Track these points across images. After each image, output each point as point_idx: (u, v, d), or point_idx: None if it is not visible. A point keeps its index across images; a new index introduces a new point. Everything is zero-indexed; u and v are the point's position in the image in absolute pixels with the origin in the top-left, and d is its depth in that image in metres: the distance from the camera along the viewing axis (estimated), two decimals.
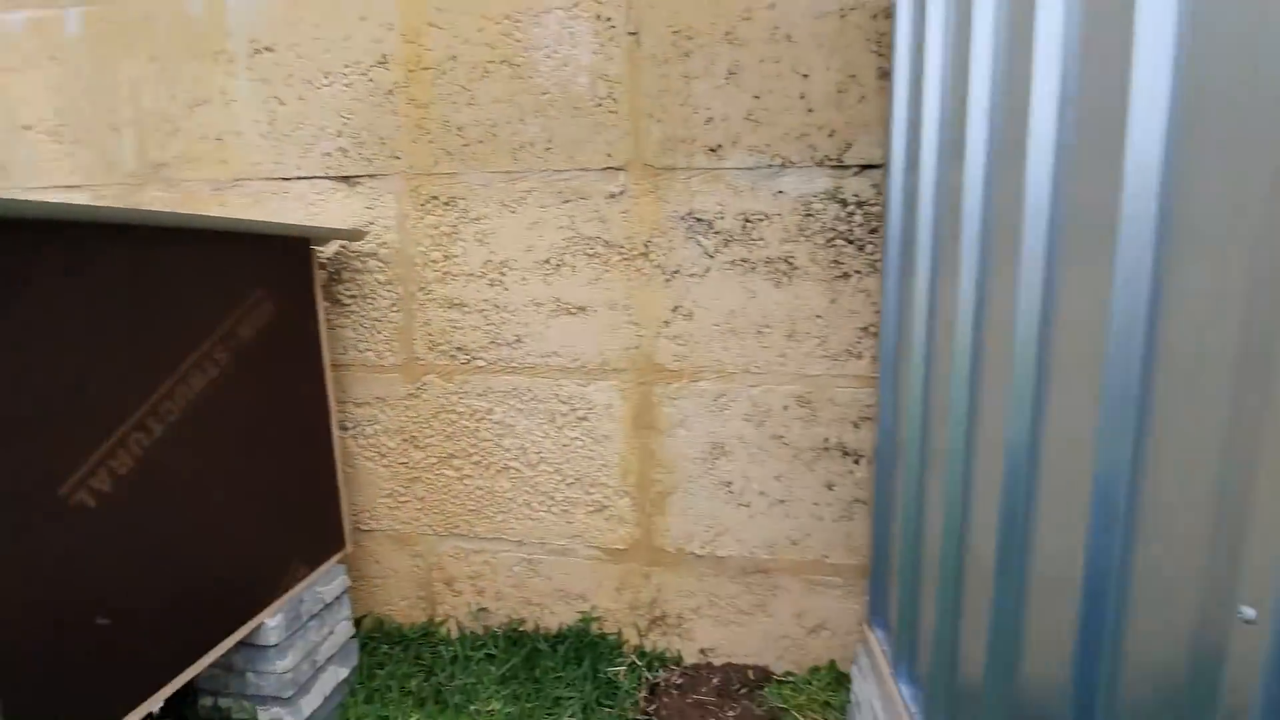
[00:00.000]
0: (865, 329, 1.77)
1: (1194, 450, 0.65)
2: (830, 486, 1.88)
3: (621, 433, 1.96)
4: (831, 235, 1.75)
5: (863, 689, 1.63)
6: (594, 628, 2.12)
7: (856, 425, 1.83)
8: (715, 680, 2.03)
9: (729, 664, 2.07)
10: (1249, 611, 0.51)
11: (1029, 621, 0.95)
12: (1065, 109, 0.88)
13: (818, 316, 1.79)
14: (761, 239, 1.78)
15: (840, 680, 1.97)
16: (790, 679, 2.01)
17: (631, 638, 2.10)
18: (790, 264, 1.78)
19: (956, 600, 1.20)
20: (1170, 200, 0.70)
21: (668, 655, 2.09)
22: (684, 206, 1.82)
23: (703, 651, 2.08)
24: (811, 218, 1.75)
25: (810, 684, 1.98)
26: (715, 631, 2.05)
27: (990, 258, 1.09)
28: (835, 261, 1.76)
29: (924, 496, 1.38)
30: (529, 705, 1.90)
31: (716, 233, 1.81)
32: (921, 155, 1.36)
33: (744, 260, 1.80)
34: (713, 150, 1.78)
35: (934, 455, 1.32)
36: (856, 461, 1.85)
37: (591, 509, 2.04)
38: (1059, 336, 0.89)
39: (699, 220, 1.81)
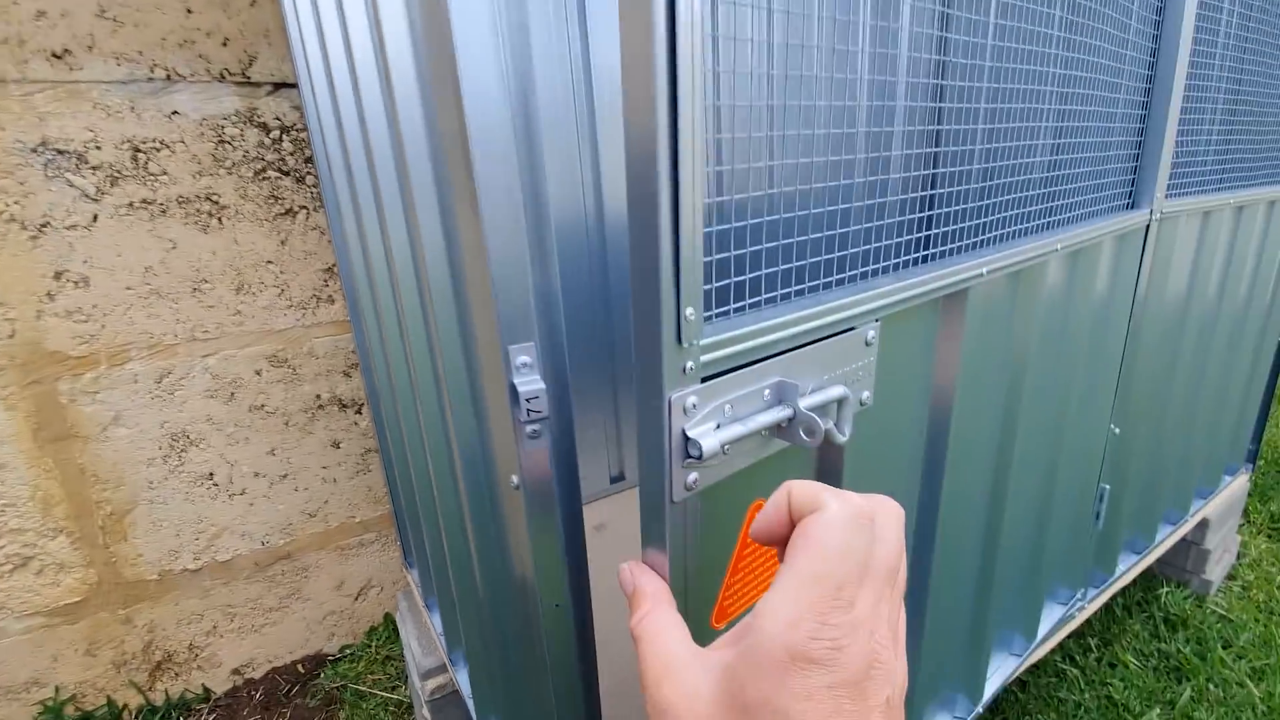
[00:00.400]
0: (329, 270, 1.63)
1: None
2: (337, 444, 1.73)
3: (21, 455, 1.43)
4: (261, 166, 1.51)
5: (406, 630, 1.61)
6: (69, 711, 1.60)
7: (348, 374, 1.71)
8: (258, 695, 1.76)
9: (273, 670, 1.82)
10: (515, 484, 0.58)
11: (463, 513, 1.00)
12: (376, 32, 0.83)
13: (269, 262, 1.56)
14: (165, 174, 1.43)
15: (398, 631, 1.93)
16: (347, 652, 1.88)
17: (130, 700, 1.66)
18: (215, 203, 1.49)
19: (434, 519, 1.22)
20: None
21: (189, 696, 1.72)
22: (32, 134, 1.33)
23: (237, 671, 1.77)
24: (228, 145, 1.48)
25: (369, 646, 1.90)
26: (245, 644, 1.76)
27: (378, 188, 1.04)
28: (274, 197, 1.54)
29: (400, 427, 1.35)
30: None
31: (94, 168, 1.38)
32: (313, 74, 1.22)
33: (147, 202, 1.43)
34: (58, 57, 1.32)
35: (394, 386, 1.28)
36: (359, 411, 1.74)
37: (8, 567, 1.47)
38: (422, 261, 0.89)
39: (61, 152, 1.35)
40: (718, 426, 0.44)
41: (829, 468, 0.58)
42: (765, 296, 0.50)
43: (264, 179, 1.52)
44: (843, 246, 0.55)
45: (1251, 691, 1.57)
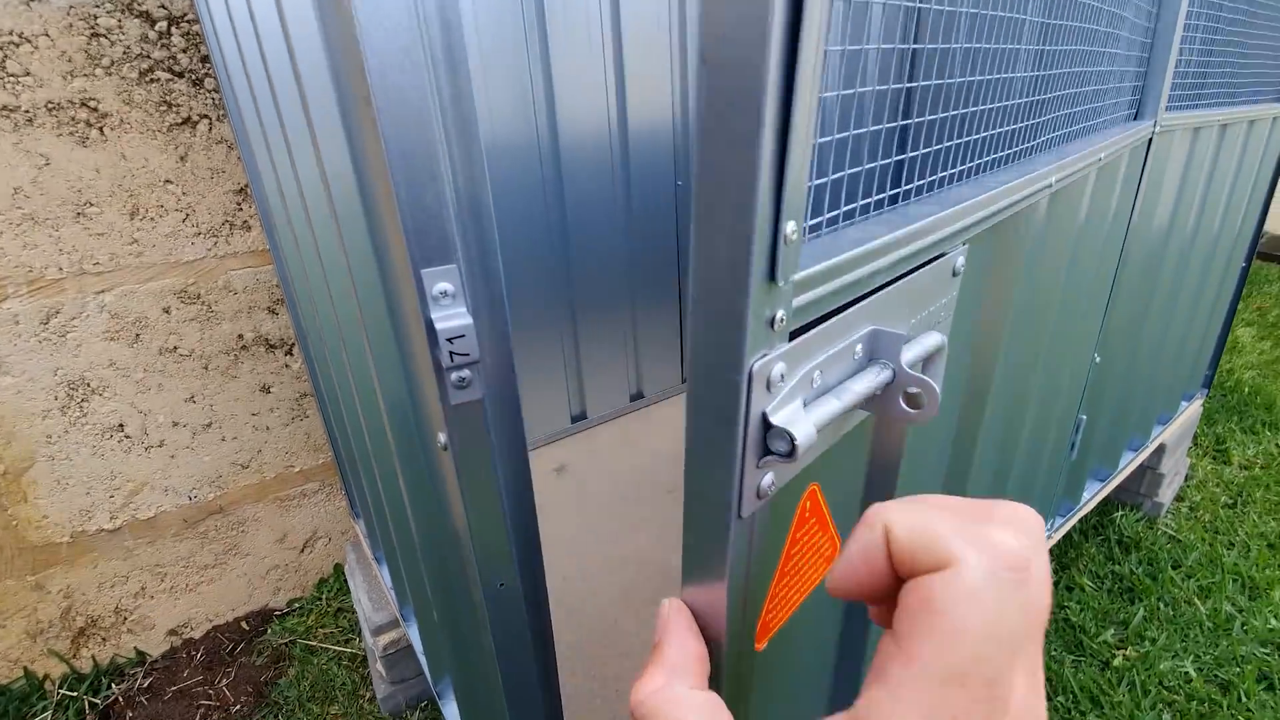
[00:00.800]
0: (242, 191, 1.42)
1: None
2: (267, 389, 1.58)
3: None
4: (147, 66, 1.28)
5: (355, 584, 1.52)
6: None
7: (273, 310, 1.53)
8: (199, 655, 1.66)
9: (215, 629, 1.71)
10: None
11: (396, 471, 0.88)
12: None
13: (167, 182, 1.35)
14: (28, 75, 1.20)
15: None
16: (296, 606, 1.79)
17: (53, 669, 1.53)
18: (94, 110, 1.26)
19: (371, 473, 1.10)
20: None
21: (122, 661, 1.61)
22: None
23: (174, 632, 1.66)
24: (104, 40, 1.24)
25: (319, 599, 1.80)
26: (181, 603, 1.64)
27: (276, 94, 0.85)
28: (166, 103, 1.31)
29: (330, 370, 1.21)
30: None
31: None
32: None
33: (9, 109, 1.20)
34: None
35: (320, 325, 1.13)
36: (289, 352, 1.58)
37: None
38: (325, 180, 0.73)
39: None
40: (804, 404, 0.31)
41: (889, 443, 0.47)
42: (844, 209, 0.37)
43: (152, 81, 1.29)
44: (928, 143, 0.42)
45: (1199, 609, 1.62)
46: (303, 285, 1.18)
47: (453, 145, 0.42)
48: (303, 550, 1.77)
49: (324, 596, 1.81)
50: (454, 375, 0.43)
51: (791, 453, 0.29)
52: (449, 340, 0.41)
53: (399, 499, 0.90)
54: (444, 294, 0.41)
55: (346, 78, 0.45)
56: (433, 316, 0.41)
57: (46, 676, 1.52)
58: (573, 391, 1.92)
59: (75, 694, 1.51)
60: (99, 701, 1.52)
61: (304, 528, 1.75)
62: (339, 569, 1.85)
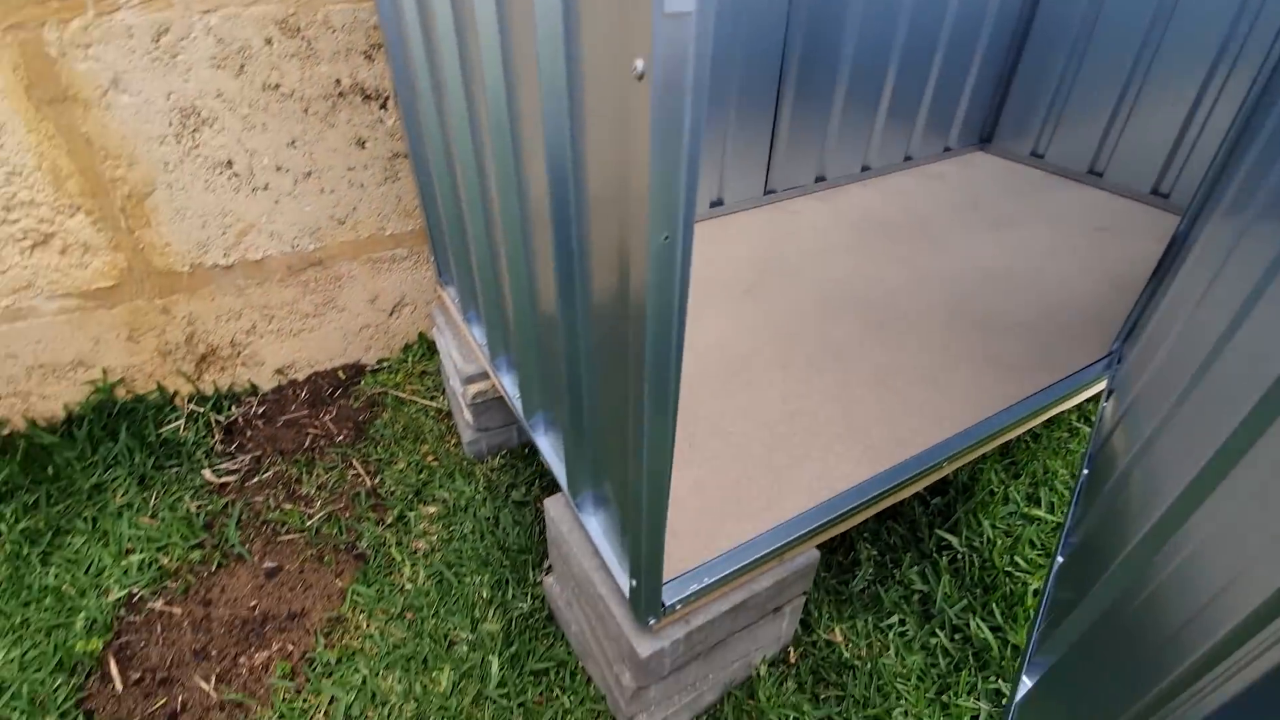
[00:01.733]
0: None
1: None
2: (361, 143, 1.57)
3: (18, 117, 1.28)
4: None
5: (443, 344, 1.61)
6: (121, 393, 1.67)
7: (369, 56, 1.48)
8: (303, 394, 1.84)
9: (315, 374, 1.87)
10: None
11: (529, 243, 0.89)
12: None
13: None
14: None
15: (433, 348, 1.96)
16: (385, 364, 1.93)
17: (181, 387, 1.72)
18: None
19: (489, 239, 1.11)
20: None
21: (238, 389, 1.79)
22: None
23: (280, 371, 1.82)
24: None
25: (405, 361, 1.94)
26: (286, 346, 1.78)
27: None
28: None
29: (445, 134, 1.18)
30: (54, 510, 1.48)
31: None
32: None
33: None
34: None
35: (442, 85, 1.08)
36: (383, 106, 1.55)
37: (28, 244, 1.41)
38: None
39: None
40: None
41: None
42: None
43: None
44: None
45: None
46: (415, 19, 1.12)
47: None
48: (391, 314, 1.88)
49: (409, 360, 1.94)
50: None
51: None
52: None
53: (521, 247, 0.91)
54: None
55: None
56: None
57: (176, 393, 1.72)
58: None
59: (202, 410, 1.70)
60: (222, 419, 1.71)
61: (393, 292, 1.84)
62: (423, 337, 1.97)
